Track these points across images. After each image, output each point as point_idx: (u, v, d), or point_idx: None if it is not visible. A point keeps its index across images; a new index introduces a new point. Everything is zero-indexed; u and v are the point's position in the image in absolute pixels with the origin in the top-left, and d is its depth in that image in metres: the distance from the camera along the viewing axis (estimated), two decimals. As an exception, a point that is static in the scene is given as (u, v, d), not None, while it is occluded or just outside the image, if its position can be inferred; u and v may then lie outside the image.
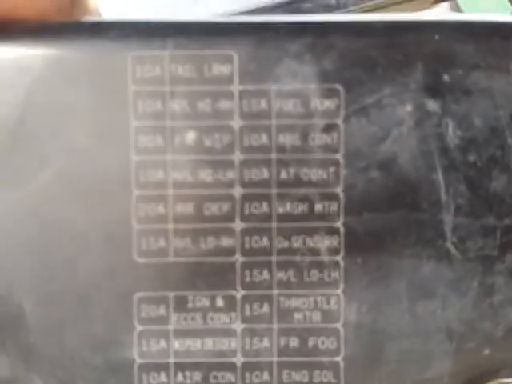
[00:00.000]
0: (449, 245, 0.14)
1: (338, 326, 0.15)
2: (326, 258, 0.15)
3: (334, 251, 0.14)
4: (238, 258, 0.15)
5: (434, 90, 0.14)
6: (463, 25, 0.15)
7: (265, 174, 0.14)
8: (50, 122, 0.14)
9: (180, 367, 0.15)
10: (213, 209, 0.15)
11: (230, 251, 0.15)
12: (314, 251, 0.15)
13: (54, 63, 0.14)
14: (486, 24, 0.15)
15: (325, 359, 0.15)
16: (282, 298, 0.15)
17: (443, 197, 0.14)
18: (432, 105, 0.14)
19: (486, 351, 0.15)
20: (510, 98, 0.14)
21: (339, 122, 0.14)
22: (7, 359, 0.15)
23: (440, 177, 0.14)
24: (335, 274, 0.15)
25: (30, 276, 0.15)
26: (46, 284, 0.15)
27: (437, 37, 0.14)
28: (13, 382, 0.15)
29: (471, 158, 0.14)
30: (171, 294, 0.15)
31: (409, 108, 0.14)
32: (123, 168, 0.14)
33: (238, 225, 0.15)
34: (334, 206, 0.14)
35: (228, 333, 0.15)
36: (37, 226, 0.15)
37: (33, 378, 0.15)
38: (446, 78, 0.14)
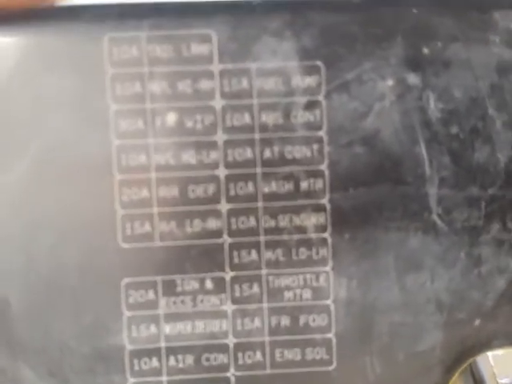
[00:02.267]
0: (435, 217, 0.14)
1: (329, 302, 0.15)
2: (313, 235, 0.14)
3: (321, 228, 0.14)
4: (226, 240, 0.14)
5: (414, 63, 0.14)
6: None
7: (248, 153, 0.14)
8: (28, 108, 0.14)
9: (172, 351, 0.15)
10: (198, 191, 0.14)
11: (217, 233, 0.14)
12: (302, 229, 0.14)
13: (29, 49, 0.14)
14: None
15: (317, 336, 0.15)
16: (271, 278, 0.15)
17: (427, 170, 0.14)
18: (413, 78, 0.14)
19: (477, 322, 0.15)
20: (489, 69, 0.14)
21: (321, 98, 0.14)
22: None
23: (423, 150, 0.14)
24: (323, 251, 0.14)
25: (14, 267, 0.14)
26: (30, 274, 0.14)
27: (415, 10, 0.14)
28: (1, 372, 0.14)
29: (453, 130, 0.14)
30: (159, 279, 0.14)
31: (390, 82, 0.14)
32: (104, 153, 0.14)
33: (224, 206, 0.14)
34: (319, 183, 0.14)
35: (219, 314, 0.15)
36: (17, 216, 0.14)
37: (21, 368, 0.14)
38: (425, 51, 0.14)
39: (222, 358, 0.15)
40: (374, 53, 0.14)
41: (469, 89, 0.14)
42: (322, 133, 0.14)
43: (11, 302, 0.14)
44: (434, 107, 0.14)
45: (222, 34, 0.14)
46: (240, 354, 0.15)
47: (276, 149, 0.14)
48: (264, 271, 0.15)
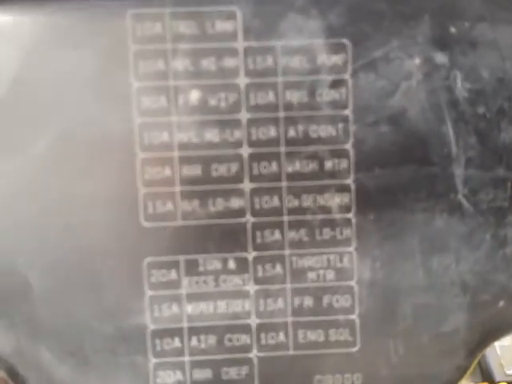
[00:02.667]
0: (460, 197, 0.14)
1: (352, 283, 0.14)
2: (337, 215, 0.14)
3: (346, 208, 0.14)
4: (249, 219, 0.14)
5: (442, 42, 0.14)
6: None
7: (272, 132, 0.14)
8: (49, 86, 0.14)
9: (194, 331, 0.14)
10: (221, 170, 0.14)
11: (240, 212, 0.14)
12: (326, 209, 0.14)
13: (49, 27, 0.14)
14: None
15: (340, 317, 0.15)
16: (294, 258, 0.14)
17: (453, 150, 0.14)
18: (440, 57, 0.14)
19: (501, 303, 0.15)
20: None
21: (347, 77, 0.14)
22: (14, 333, 0.14)
23: (450, 130, 0.14)
24: (347, 232, 0.14)
25: (35, 247, 0.14)
26: (51, 254, 0.14)
27: None
28: (21, 354, 0.14)
29: (480, 110, 0.14)
30: (181, 258, 0.14)
31: (417, 61, 0.14)
32: (127, 131, 0.14)
33: (247, 185, 0.14)
34: (344, 163, 0.14)
35: (241, 295, 0.14)
36: (38, 196, 0.14)
37: (41, 350, 0.14)
38: (452, 30, 0.14)
39: (244, 339, 0.14)
40: (401, 31, 0.14)
41: (496, 69, 0.14)
42: (347, 111, 0.14)
43: (32, 282, 0.14)
44: (460, 87, 0.14)
45: (247, 11, 0.14)
46: (263, 335, 0.15)
47: (300, 128, 0.14)
48: (287, 251, 0.14)
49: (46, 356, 0.14)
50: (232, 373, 0.15)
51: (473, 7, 0.14)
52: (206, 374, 0.15)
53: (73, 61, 0.14)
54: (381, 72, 0.14)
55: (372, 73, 0.14)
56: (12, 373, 0.14)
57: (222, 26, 0.14)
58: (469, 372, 0.15)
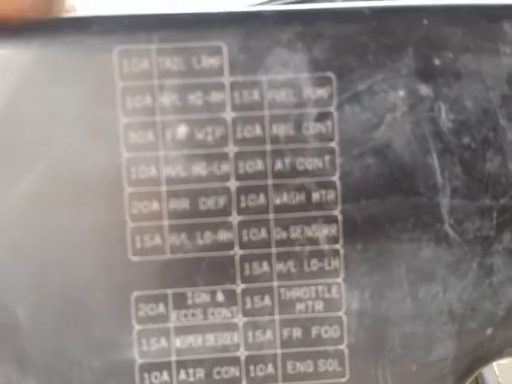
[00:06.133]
0: (447, 227, 0.14)
1: (341, 314, 0.15)
2: (325, 246, 0.14)
3: (333, 239, 0.14)
4: (237, 252, 0.14)
5: (426, 74, 0.14)
6: (451, 9, 0.15)
7: (260, 165, 0.14)
8: (36, 122, 0.14)
9: (182, 365, 0.14)
10: (208, 203, 0.14)
11: (228, 245, 0.14)
12: (313, 240, 0.14)
13: (37, 62, 0.14)
14: (474, 7, 0.15)
15: (329, 348, 0.15)
16: (282, 290, 0.14)
17: (439, 180, 0.14)
18: (424, 89, 0.14)
19: (489, 331, 0.15)
20: (499, 79, 0.14)
21: (332, 109, 0.14)
22: (3, 368, 0.14)
23: (435, 160, 0.14)
24: (335, 263, 0.14)
25: (23, 282, 0.14)
26: (40, 289, 0.14)
27: (425, 21, 0.14)
28: None
29: (465, 140, 0.14)
30: (169, 292, 0.14)
31: (401, 93, 0.14)
32: (114, 165, 0.14)
33: (235, 218, 0.14)
34: (331, 195, 0.14)
35: (230, 327, 0.14)
36: (27, 230, 0.14)
37: (30, 383, 0.14)
38: (436, 61, 0.14)
39: (233, 371, 0.15)
40: (385, 64, 0.14)
41: (480, 99, 0.14)
42: (333, 144, 0.14)
43: (20, 316, 0.14)
44: (445, 118, 0.14)
45: (233, 46, 0.14)
46: (252, 367, 0.15)
47: (287, 160, 0.14)
48: (275, 283, 0.14)
49: None
50: (222, 406, 0.15)
51: (456, 38, 0.14)
52: None
53: (60, 97, 0.14)
54: (366, 104, 0.14)
55: (357, 105, 0.14)
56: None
57: (208, 61, 0.14)
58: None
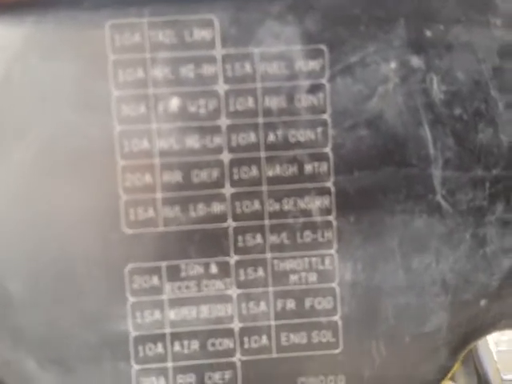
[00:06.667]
0: (439, 198, 0.14)
1: (334, 285, 0.15)
2: (318, 218, 0.14)
3: (326, 211, 0.14)
4: (230, 224, 0.14)
5: (417, 45, 0.14)
6: None
7: (252, 137, 0.14)
8: (29, 96, 0.14)
9: (176, 337, 0.14)
10: (201, 175, 0.14)
11: (222, 217, 0.14)
12: (306, 212, 0.14)
13: (30, 37, 0.14)
14: None
15: (322, 319, 0.15)
16: (276, 261, 0.15)
17: (431, 151, 0.14)
18: (416, 61, 0.14)
19: (483, 302, 0.15)
20: (491, 51, 0.14)
21: (325, 81, 0.14)
22: None
23: (427, 132, 0.14)
24: (328, 234, 0.14)
25: (16, 256, 0.14)
26: (32, 262, 0.14)
27: None
28: (5, 365, 0.14)
29: (457, 111, 0.14)
30: (163, 264, 0.14)
31: (393, 65, 0.14)
32: (107, 138, 0.14)
33: (228, 190, 0.14)
34: (323, 166, 0.14)
35: (224, 299, 0.15)
36: (19, 205, 0.14)
37: (25, 360, 0.14)
38: (428, 33, 0.14)
39: (227, 343, 0.15)
40: (377, 36, 0.14)
41: (471, 71, 0.14)
42: (326, 116, 0.14)
43: (12, 292, 0.14)
44: (437, 89, 0.14)
45: (224, 19, 0.14)
46: (246, 339, 0.15)
47: (280, 132, 0.14)
48: (269, 255, 0.15)
49: (31, 365, 0.14)
50: (215, 377, 0.15)
51: (447, 10, 0.14)
52: (190, 379, 0.15)
53: (53, 71, 0.14)
54: (358, 76, 0.14)
55: (349, 77, 0.14)
56: None
57: (200, 34, 0.14)
58: (452, 372, 0.15)
